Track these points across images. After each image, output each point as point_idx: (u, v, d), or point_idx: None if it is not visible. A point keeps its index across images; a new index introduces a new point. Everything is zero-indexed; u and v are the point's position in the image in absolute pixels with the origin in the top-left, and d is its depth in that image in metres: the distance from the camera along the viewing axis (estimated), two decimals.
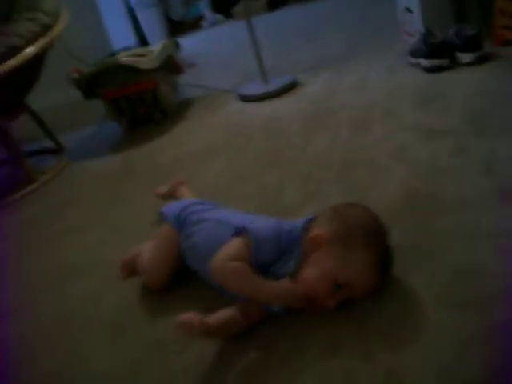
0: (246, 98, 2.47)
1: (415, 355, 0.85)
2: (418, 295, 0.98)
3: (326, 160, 1.65)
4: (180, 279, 1.22)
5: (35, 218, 1.91)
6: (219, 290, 1.07)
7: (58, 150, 2.53)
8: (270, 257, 1.00)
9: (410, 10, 2.56)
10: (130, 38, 5.23)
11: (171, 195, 1.51)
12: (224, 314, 0.98)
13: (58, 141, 2.53)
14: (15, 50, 2.05)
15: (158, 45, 2.50)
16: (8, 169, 2.48)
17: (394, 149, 1.58)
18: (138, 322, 1.15)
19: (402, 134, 1.66)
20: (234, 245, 1.01)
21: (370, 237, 0.96)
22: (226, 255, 0.98)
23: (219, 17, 5.34)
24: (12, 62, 2.04)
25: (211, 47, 4.32)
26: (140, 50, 2.54)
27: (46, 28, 2.19)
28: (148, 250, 1.24)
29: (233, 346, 0.98)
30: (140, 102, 2.49)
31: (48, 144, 2.56)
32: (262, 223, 1.06)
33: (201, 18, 5.47)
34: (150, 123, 2.53)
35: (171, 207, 1.28)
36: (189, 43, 4.73)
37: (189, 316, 0.89)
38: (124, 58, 2.30)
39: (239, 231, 1.03)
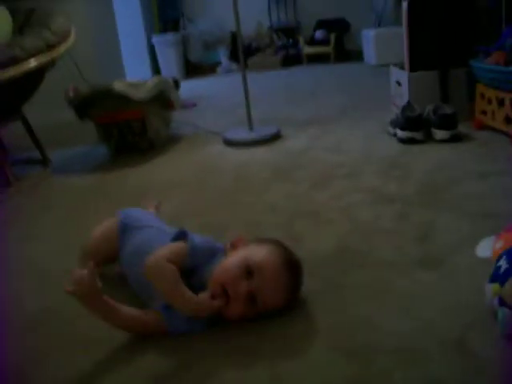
0: (229, 142, 2.57)
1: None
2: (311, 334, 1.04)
3: (277, 208, 1.72)
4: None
5: None
6: (143, 298, 1.16)
7: (43, 162, 2.61)
8: (201, 262, 1.11)
9: (399, 84, 2.68)
10: (147, 72, 5.43)
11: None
12: (128, 308, 1.06)
13: (45, 153, 2.62)
14: (15, 61, 2.17)
15: (153, 79, 2.62)
16: None
17: (343, 207, 1.66)
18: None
19: (356, 195, 1.74)
20: (171, 247, 1.12)
21: (279, 245, 1.13)
22: (163, 256, 1.07)
23: (234, 65, 5.52)
24: (10, 72, 2.15)
25: (218, 92, 4.46)
26: (137, 81, 2.65)
27: (50, 46, 2.31)
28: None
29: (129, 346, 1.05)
30: (129, 130, 2.59)
31: (35, 155, 2.64)
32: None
33: (218, 64, 5.66)
34: (136, 151, 2.62)
35: (126, 210, 1.38)
36: (199, 85, 4.91)
37: (93, 282, 0.97)
38: (117, 86, 2.41)
39: (179, 235, 1.15)
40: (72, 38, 2.48)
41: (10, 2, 2.60)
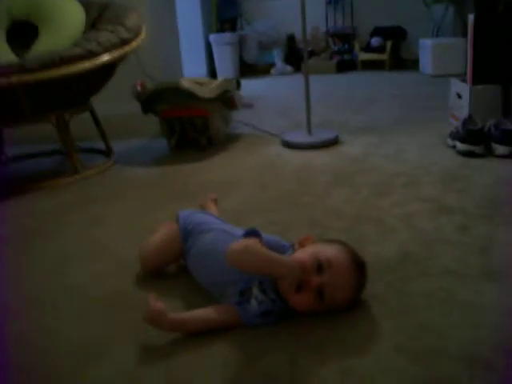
0: (287, 144, 2.62)
1: None
2: (379, 337, 1.08)
3: (339, 212, 1.76)
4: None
5: (65, 205, 2.09)
6: (215, 295, 1.21)
7: (107, 153, 2.72)
8: None
9: (459, 96, 2.68)
10: (202, 70, 5.53)
11: (202, 207, 1.70)
12: (197, 313, 1.13)
13: (109, 144, 2.72)
14: (91, 55, 2.27)
15: (219, 79, 2.69)
16: (60, 158, 2.70)
17: (405, 215, 1.69)
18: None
19: (416, 204, 1.77)
20: (248, 240, 1.13)
21: (346, 245, 1.18)
22: (243, 241, 1.12)
23: (289, 68, 5.58)
24: (86, 65, 2.26)
25: (273, 93, 4.53)
26: (202, 79, 2.74)
27: (124, 41, 2.41)
28: (154, 236, 1.43)
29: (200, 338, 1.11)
30: (191, 126, 2.67)
31: (100, 145, 2.75)
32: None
33: (272, 65, 5.73)
34: (196, 147, 2.70)
35: (185, 215, 1.42)
36: (254, 85, 4.97)
37: (156, 308, 1.06)
38: (185, 83, 2.49)
39: (250, 233, 1.16)
40: (143, 35, 2.57)
41: None
